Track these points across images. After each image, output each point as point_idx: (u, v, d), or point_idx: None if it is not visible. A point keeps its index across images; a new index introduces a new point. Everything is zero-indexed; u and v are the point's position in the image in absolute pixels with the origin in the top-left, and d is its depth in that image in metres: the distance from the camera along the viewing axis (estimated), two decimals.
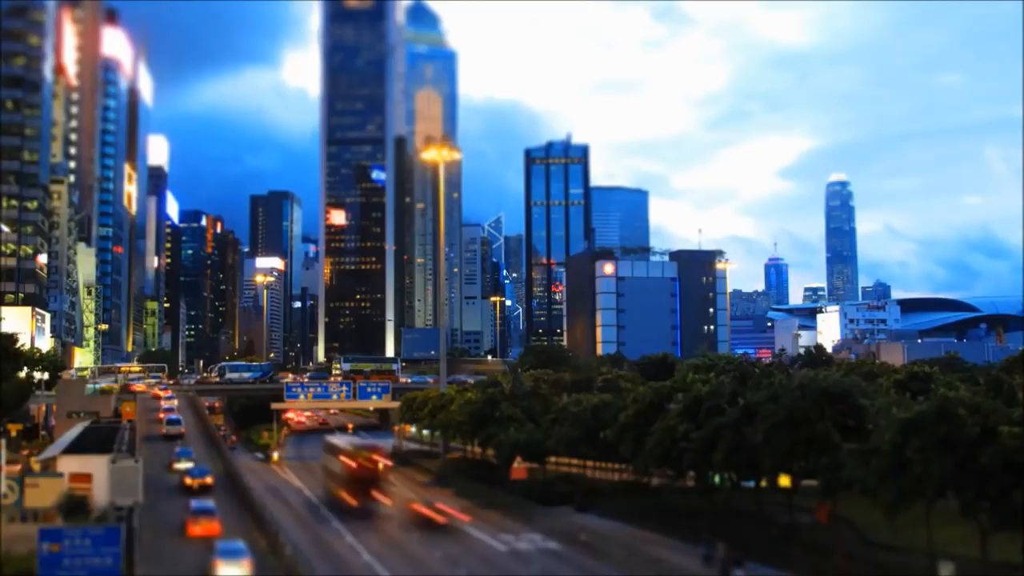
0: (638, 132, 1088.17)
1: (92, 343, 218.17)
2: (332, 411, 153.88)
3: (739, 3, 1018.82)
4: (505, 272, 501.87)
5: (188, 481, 66.69)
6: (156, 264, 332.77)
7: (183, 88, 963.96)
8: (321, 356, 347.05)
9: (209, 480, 67.06)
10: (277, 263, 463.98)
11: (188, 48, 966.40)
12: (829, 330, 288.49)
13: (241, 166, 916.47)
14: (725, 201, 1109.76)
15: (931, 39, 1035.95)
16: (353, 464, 63.65)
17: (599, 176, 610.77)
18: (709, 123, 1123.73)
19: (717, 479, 51.90)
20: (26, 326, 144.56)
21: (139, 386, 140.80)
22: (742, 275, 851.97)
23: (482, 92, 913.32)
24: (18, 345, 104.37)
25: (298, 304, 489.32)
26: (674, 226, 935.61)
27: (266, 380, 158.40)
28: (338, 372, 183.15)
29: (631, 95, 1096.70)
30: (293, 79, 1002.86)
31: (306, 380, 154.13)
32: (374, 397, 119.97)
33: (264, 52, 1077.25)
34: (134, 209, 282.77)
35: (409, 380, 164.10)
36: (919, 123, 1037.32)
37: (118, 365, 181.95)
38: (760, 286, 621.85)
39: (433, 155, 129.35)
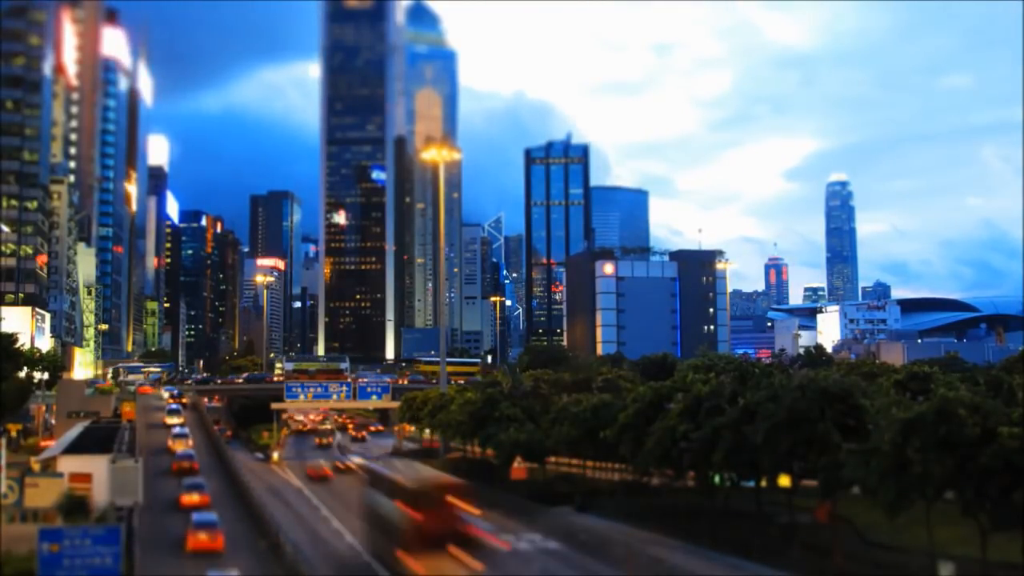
0: (644, 133, 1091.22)
1: (92, 343, 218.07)
2: (324, 412, 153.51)
3: (745, 5, 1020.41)
4: (505, 272, 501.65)
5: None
6: (156, 264, 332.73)
7: (189, 89, 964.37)
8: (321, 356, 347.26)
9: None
10: (277, 263, 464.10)
11: (194, 49, 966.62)
12: (829, 330, 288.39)
13: (248, 165, 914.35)
14: (730, 203, 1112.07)
15: (936, 42, 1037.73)
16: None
17: (609, 177, 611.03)
18: (714, 125, 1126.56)
19: (717, 479, 51.86)
20: (26, 326, 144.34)
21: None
22: (742, 275, 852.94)
23: (486, 92, 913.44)
24: (18, 345, 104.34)
25: (298, 304, 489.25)
26: (680, 226, 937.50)
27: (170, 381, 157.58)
28: (280, 372, 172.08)
29: (637, 97, 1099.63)
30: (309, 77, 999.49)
31: (240, 382, 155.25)
32: (374, 397, 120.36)
33: (275, 51, 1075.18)
34: (134, 209, 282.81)
35: (407, 381, 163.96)
36: (924, 125, 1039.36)
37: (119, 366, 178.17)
38: (761, 286, 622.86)
39: (433, 155, 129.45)
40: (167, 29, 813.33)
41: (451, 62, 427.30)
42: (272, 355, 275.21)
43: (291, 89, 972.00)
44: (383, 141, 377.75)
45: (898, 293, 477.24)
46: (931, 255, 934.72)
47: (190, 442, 79.96)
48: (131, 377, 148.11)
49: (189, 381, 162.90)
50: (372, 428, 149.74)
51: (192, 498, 55.66)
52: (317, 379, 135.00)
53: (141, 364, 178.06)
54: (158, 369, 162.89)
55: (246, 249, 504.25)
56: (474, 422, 78.12)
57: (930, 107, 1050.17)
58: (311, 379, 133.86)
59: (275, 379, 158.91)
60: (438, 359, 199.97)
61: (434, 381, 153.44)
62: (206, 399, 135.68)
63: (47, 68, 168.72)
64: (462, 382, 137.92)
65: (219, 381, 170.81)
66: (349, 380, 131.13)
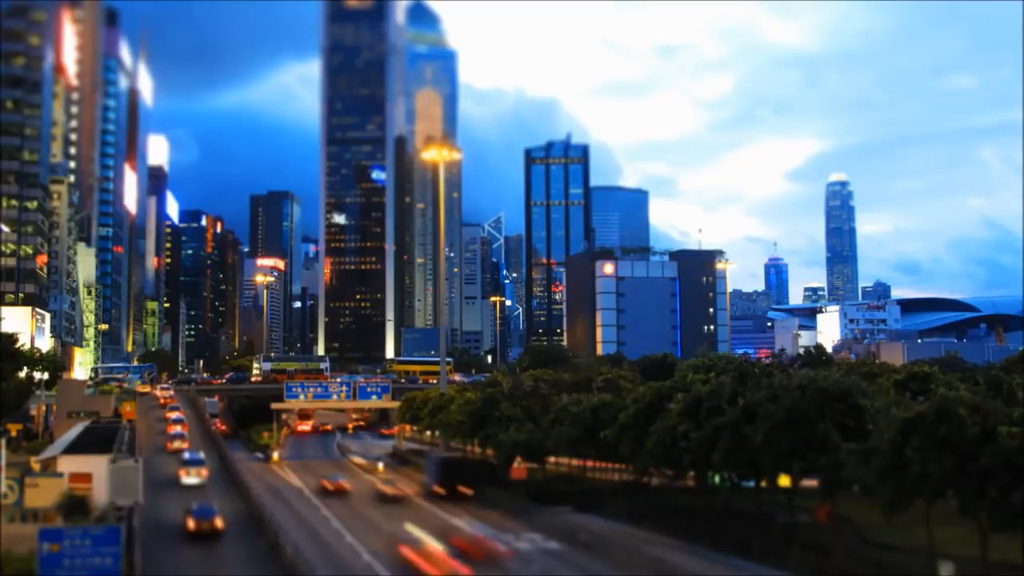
0: (646, 134, 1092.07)
1: (92, 343, 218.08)
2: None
3: (747, 7, 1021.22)
4: (505, 272, 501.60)
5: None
6: (156, 264, 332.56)
7: (196, 89, 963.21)
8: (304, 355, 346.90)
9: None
10: (277, 263, 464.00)
11: (204, 48, 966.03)
12: (829, 330, 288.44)
13: (252, 165, 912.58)
14: (732, 203, 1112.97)
15: (939, 43, 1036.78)
16: None
17: (620, 178, 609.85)
18: (717, 126, 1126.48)
19: (717, 479, 51.83)
20: (26, 326, 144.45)
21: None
22: (742, 275, 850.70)
23: (487, 92, 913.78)
24: (18, 345, 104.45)
25: (298, 304, 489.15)
26: (684, 227, 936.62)
27: None
28: (257, 373, 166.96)
29: (640, 98, 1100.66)
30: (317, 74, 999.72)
31: (221, 382, 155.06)
32: (374, 397, 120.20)
33: (287, 50, 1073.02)
34: (134, 209, 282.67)
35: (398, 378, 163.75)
36: (926, 126, 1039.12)
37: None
38: (762, 286, 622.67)
39: (433, 155, 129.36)
40: (175, 28, 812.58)
41: (451, 62, 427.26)
42: (272, 355, 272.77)
43: (299, 87, 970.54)
44: (383, 141, 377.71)
45: (908, 293, 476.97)
46: (938, 255, 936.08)
47: (171, 392, 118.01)
48: (103, 378, 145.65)
49: (171, 382, 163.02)
50: (361, 424, 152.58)
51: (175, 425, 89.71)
52: (296, 380, 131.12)
53: (122, 365, 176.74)
54: (130, 366, 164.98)
55: (246, 249, 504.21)
56: (474, 422, 78.10)
57: (932, 108, 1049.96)
58: (291, 380, 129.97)
59: (253, 380, 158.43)
60: (411, 360, 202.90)
61: (402, 380, 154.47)
62: (204, 398, 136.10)
63: (47, 68, 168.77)
64: (433, 381, 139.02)
65: (199, 381, 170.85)
66: (346, 381, 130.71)
